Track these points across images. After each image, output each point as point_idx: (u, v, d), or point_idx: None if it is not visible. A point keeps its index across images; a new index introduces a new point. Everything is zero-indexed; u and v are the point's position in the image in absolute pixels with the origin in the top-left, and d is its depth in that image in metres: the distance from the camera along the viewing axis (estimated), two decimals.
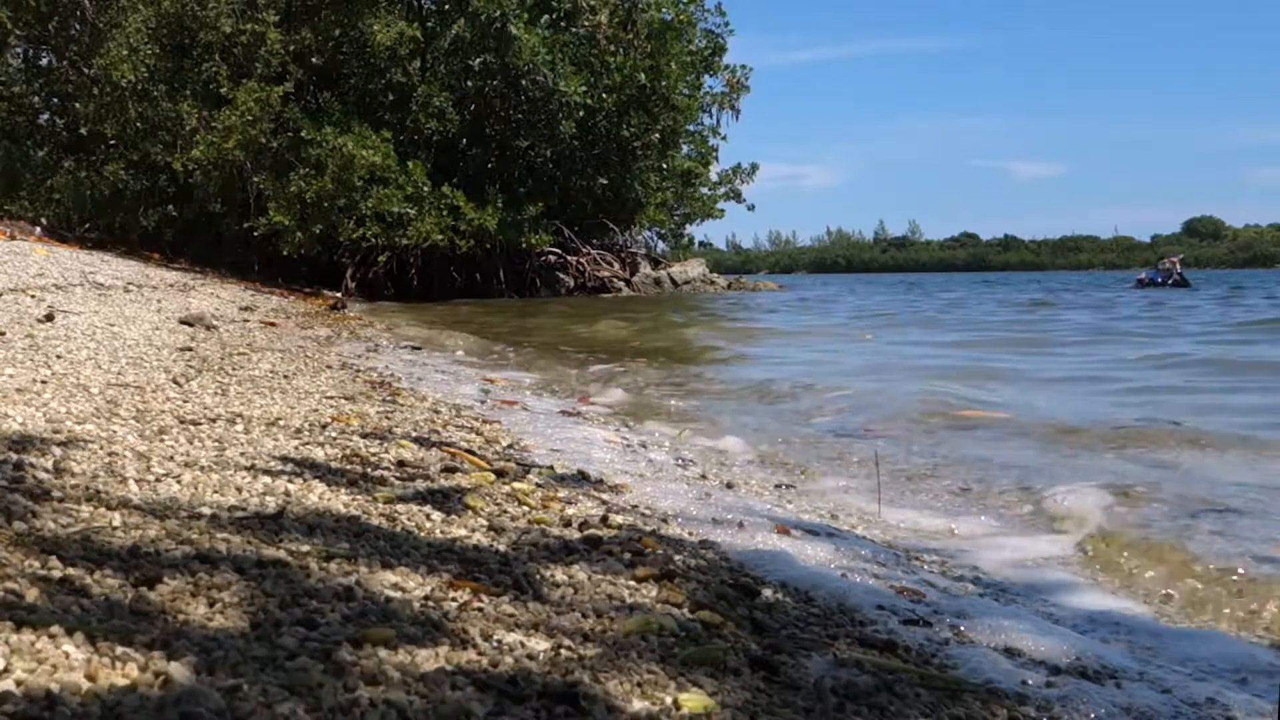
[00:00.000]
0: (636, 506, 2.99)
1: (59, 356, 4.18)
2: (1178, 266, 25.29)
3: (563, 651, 1.62)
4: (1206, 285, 28.45)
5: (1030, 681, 1.90)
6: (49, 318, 5.41)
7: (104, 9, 18.19)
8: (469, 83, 20.50)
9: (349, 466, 2.89)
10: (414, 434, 3.66)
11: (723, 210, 25.44)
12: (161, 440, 2.84)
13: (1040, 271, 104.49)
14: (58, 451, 2.43)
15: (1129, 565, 2.87)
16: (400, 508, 2.44)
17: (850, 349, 10.18)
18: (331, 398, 4.40)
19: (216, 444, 2.92)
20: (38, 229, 15.96)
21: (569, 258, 22.51)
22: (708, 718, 1.47)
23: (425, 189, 18.53)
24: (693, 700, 1.50)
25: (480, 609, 1.76)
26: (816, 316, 16.85)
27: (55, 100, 20.21)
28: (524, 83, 19.71)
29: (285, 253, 17.86)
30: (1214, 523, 3.18)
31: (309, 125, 17.70)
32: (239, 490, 2.37)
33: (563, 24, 20.93)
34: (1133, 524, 3.20)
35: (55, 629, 1.33)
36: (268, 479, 2.53)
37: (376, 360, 6.87)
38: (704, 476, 3.73)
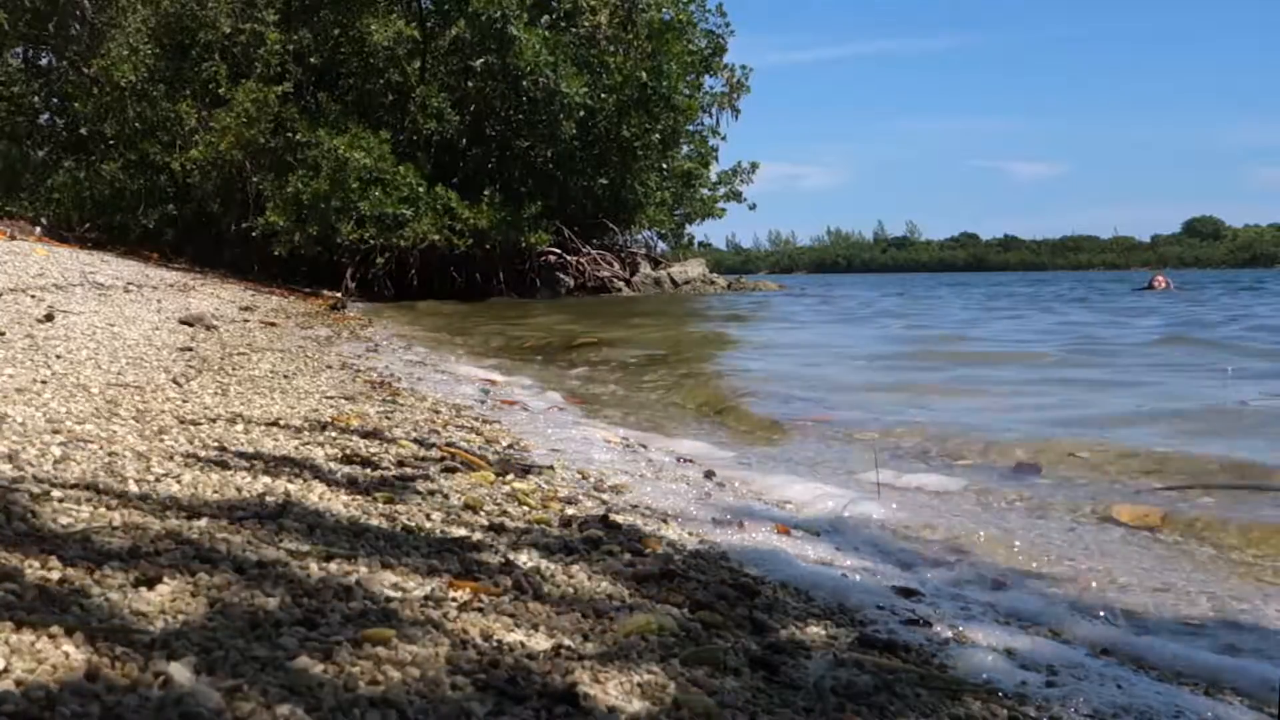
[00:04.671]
0: (636, 506, 2.99)
1: (59, 356, 4.17)
2: (1161, 284, 26.01)
3: (563, 651, 1.62)
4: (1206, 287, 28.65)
5: (1030, 681, 1.90)
6: (49, 318, 5.41)
7: (103, 9, 18.20)
8: (469, 83, 20.49)
9: (349, 466, 2.89)
10: (414, 434, 3.66)
11: (724, 210, 25.40)
12: (161, 440, 2.84)
13: (1040, 271, 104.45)
14: (58, 451, 2.43)
15: None
16: (400, 508, 2.44)
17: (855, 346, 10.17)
18: (331, 398, 4.40)
19: (216, 444, 2.92)
20: (38, 229, 15.96)
21: (569, 258, 22.48)
22: (708, 717, 1.47)
23: (420, 190, 18.52)
24: (693, 700, 1.50)
25: (480, 609, 1.76)
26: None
27: (55, 100, 20.22)
28: (525, 83, 19.70)
29: (279, 253, 17.85)
30: None
31: (304, 127, 17.70)
32: (239, 490, 2.37)
33: (562, 24, 20.92)
34: None
35: (55, 629, 1.33)
36: (268, 479, 2.52)
37: (376, 360, 6.87)
38: (706, 476, 3.73)
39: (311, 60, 19.64)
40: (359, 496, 2.51)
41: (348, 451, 3.10)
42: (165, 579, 1.62)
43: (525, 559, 2.14)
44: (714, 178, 25.00)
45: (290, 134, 17.81)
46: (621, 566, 2.19)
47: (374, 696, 1.32)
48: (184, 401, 3.63)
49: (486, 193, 19.64)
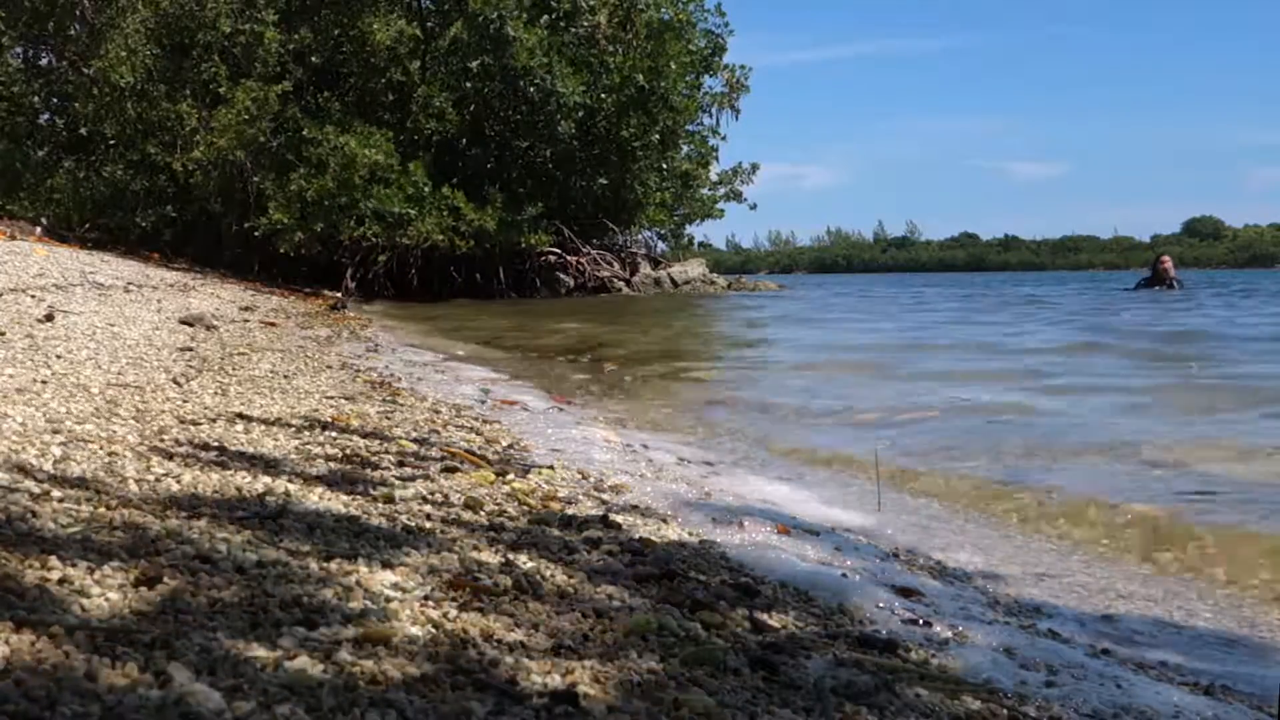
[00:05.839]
0: (636, 506, 2.99)
1: (59, 356, 4.18)
2: (1167, 266, 22.61)
3: (563, 651, 1.62)
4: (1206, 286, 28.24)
5: (1030, 681, 1.90)
6: (49, 318, 5.41)
7: (102, 9, 18.18)
8: (468, 84, 20.49)
9: (349, 466, 2.89)
10: (414, 434, 3.66)
11: (723, 210, 25.41)
12: (161, 440, 2.84)
13: (1040, 271, 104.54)
14: (57, 451, 2.43)
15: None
16: (400, 508, 2.44)
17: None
18: (331, 398, 4.40)
19: (217, 444, 2.92)
20: (38, 229, 15.95)
21: (569, 258, 22.49)
22: (708, 717, 1.47)
23: (426, 189, 18.52)
24: (693, 700, 1.50)
25: (480, 609, 1.76)
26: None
27: (55, 100, 20.21)
28: (522, 84, 19.70)
29: (284, 252, 17.87)
30: None
31: (310, 124, 17.71)
32: (239, 490, 2.37)
33: (561, 24, 20.92)
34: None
35: (55, 629, 1.33)
36: (268, 479, 2.53)
37: (376, 360, 6.87)
38: (706, 476, 3.73)
39: (312, 60, 19.64)
40: (359, 496, 2.51)
41: (348, 451, 3.10)
42: (165, 579, 1.62)
43: (525, 559, 2.14)
44: (714, 178, 25.01)
45: (293, 132, 17.82)
46: (621, 566, 2.19)
47: (374, 696, 1.32)
48: (184, 401, 3.63)
49: (488, 192, 19.64)
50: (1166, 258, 23.00)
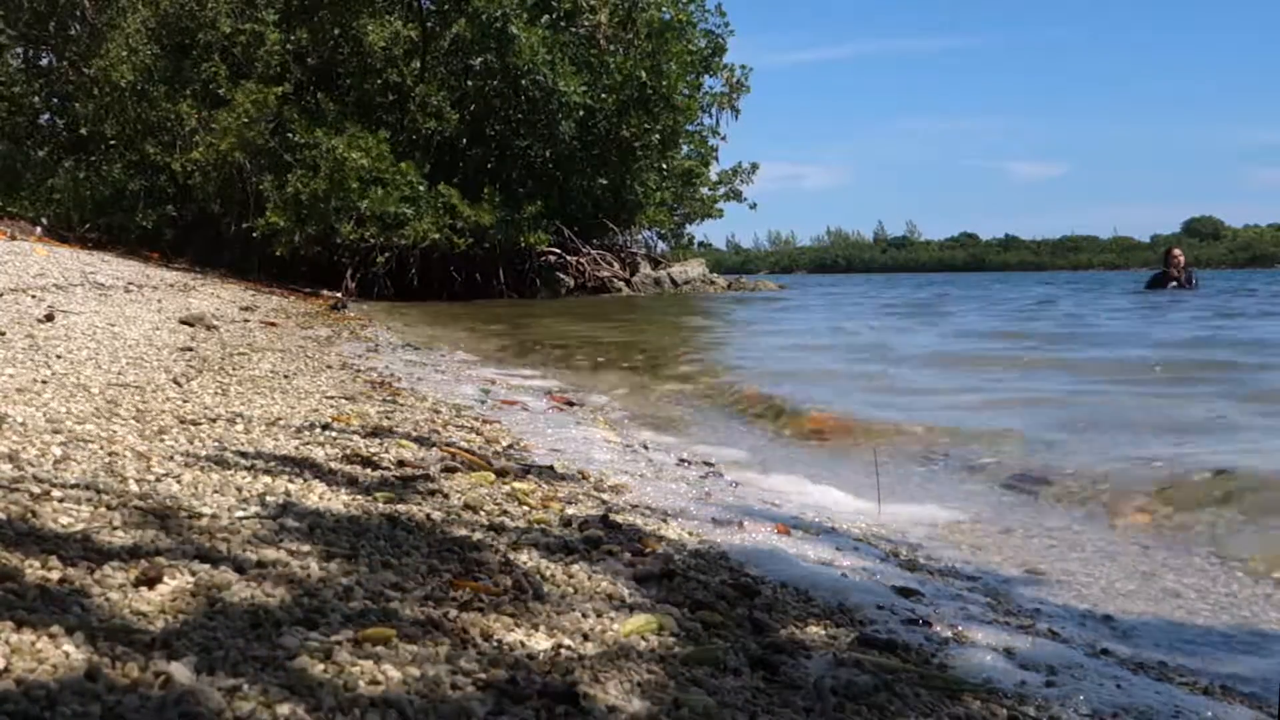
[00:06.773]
0: (636, 506, 2.99)
1: (59, 356, 4.18)
2: (1182, 263, 20.83)
3: (563, 651, 1.62)
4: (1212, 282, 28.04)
5: (1030, 681, 1.90)
6: (49, 318, 5.41)
7: (102, 9, 18.20)
8: (469, 82, 20.51)
9: (349, 466, 2.89)
10: (414, 434, 3.66)
11: (723, 210, 25.43)
12: (161, 440, 2.84)
13: (1040, 271, 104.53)
14: (57, 451, 2.44)
15: None
16: (400, 508, 2.44)
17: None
18: (332, 398, 4.40)
19: (216, 444, 2.92)
20: (38, 229, 15.96)
21: (569, 258, 22.49)
22: (707, 717, 1.47)
23: (421, 189, 18.53)
24: (692, 699, 1.50)
25: (480, 609, 1.76)
26: None
27: (55, 100, 20.24)
28: (524, 83, 19.72)
29: (279, 253, 17.88)
30: None
31: (302, 127, 17.72)
32: (239, 490, 2.37)
33: (562, 23, 20.93)
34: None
35: (55, 629, 1.33)
36: (268, 479, 2.52)
37: (376, 360, 6.87)
38: (705, 476, 3.73)
39: (310, 60, 19.66)
40: (359, 496, 2.51)
41: (348, 451, 3.10)
42: (165, 579, 1.62)
43: (525, 559, 2.14)
44: (714, 177, 25.03)
45: (289, 134, 17.84)
46: (621, 566, 2.19)
47: (374, 696, 1.32)
48: (184, 401, 3.63)
49: (486, 190, 19.66)
50: (1178, 251, 20.70)
